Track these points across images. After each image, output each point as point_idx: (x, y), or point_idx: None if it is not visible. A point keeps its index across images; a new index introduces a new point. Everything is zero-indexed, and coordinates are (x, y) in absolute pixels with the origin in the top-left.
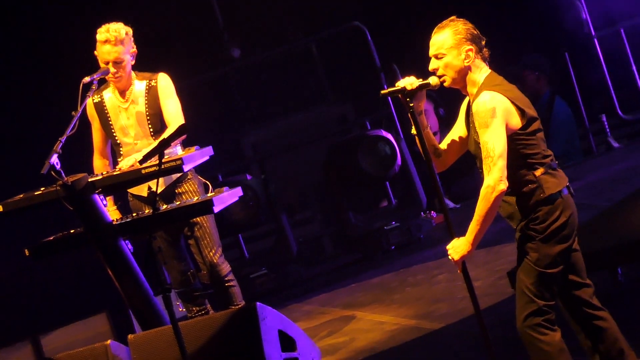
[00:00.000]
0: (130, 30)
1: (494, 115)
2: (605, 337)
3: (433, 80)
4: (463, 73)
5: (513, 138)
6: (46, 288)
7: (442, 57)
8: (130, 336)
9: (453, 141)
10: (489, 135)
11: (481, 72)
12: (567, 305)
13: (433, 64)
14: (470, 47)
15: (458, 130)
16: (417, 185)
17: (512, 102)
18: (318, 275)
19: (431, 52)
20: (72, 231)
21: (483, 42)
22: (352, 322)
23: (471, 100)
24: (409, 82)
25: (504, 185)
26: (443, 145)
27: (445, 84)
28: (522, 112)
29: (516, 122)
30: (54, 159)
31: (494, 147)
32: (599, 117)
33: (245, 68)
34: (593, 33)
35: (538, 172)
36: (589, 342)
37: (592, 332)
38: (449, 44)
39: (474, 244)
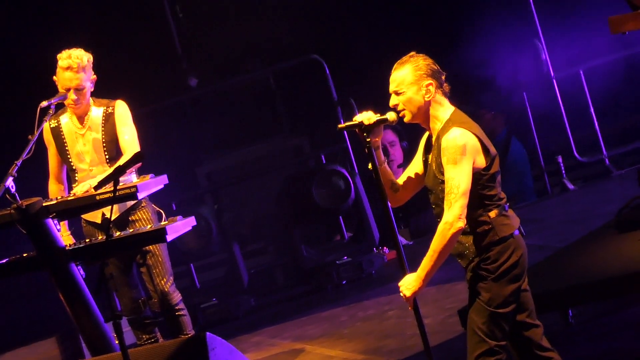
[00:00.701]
0: (91, 57)
1: (463, 152)
2: None
3: (391, 116)
4: (424, 108)
5: (475, 177)
6: None
7: (402, 93)
8: None
9: (410, 178)
10: (456, 172)
11: (443, 107)
12: (516, 345)
13: (393, 100)
14: (431, 82)
15: (415, 166)
16: (370, 220)
17: (480, 141)
18: (268, 307)
19: (391, 88)
20: (24, 255)
21: (443, 77)
22: (301, 355)
23: (434, 135)
24: (367, 117)
25: (462, 223)
26: (400, 181)
27: (405, 120)
28: (487, 152)
29: (481, 161)
30: (9, 182)
31: (459, 185)
32: (555, 158)
33: (202, 97)
34: (552, 74)
35: (492, 213)
36: None
37: None
38: (409, 80)
39: (426, 280)
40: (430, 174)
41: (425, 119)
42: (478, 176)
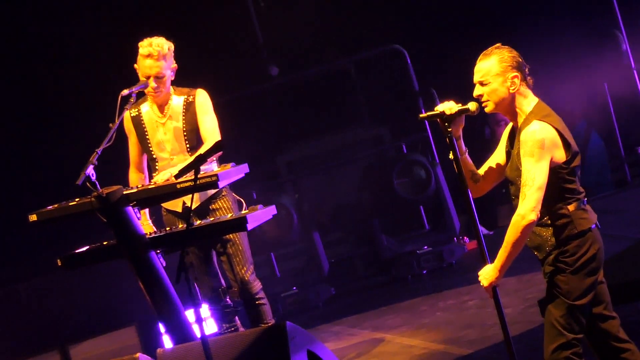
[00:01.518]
0: (172, 46)
1: (542, 146)
2: None
3: (472, 106)
4: (508, 100)
5: (555, 171)
6: (77, 299)
7: (487, 84)
8: (159, 350)
9: (491, 168)
10: (533, 165)
11: (527, 99)
12: (593, 338)
13: (477, 90)
14: (516, 74)
15: (498, 157)
16: (451, 210)
17: (560, 135)
18: (348, 296)
19: (476, 78)
20: (104, 243)
21: (527, 70)
22: (381, 344)
23: (517, 128)
24: (448, 106)
25: (534, 216)
26: (481, 171)
27: (487, 110)
28: (567, 146)
29: (561, 155)
30: (90, 170)
31: (534, 177)
32: (635, 148)
33: (282, 86)
34: (632, 65)
35: (571, 207)
36: None
37: None
38: (495, 71)
39: (502, 270)
40: (512, 166)
41: (508, 110)
42: (558, 169)
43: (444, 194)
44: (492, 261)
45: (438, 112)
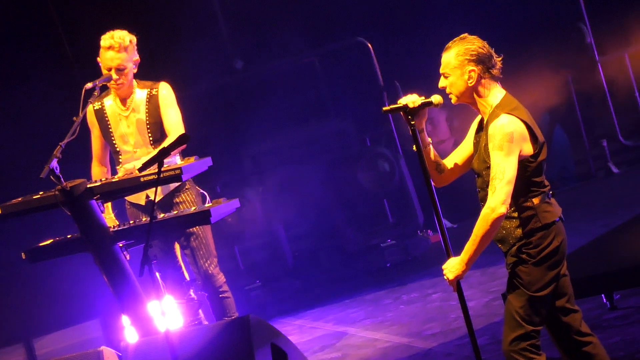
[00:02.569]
0: (134, 39)
1: (511, 140)
2: None
3: (435, 99)
4: (467, 93)
5: (523, 164)
6: (41, 292)
7: (448, 77)
8: (122, 343)
9: (458, 158)
10: (502, 159)
11: (492, 92)
12: (555, 332)
13: (441, 82)
14: (474, 68)
15: (465, 148)
16: (415, 203)
17: (528, 128)
18: (312, 290)
19: (440, 70)
20: (69, 236)
21: (493, 61)
22: (345, 338)
23: (484, 120)
24: (412, 99)
25: (504, 209)
26: (448, 161)
27: (452, 102)
28: (535, 139)
29: (528, 149)
30: (54, 163)
31: (504, 171)
32: (599, 141)
33: (247, 80)
34: (597, 57)
35: (537, 200)
36: None
37: (581, 359)
38: (453, 64)
39: (469, 264)
40: (479, 158)
41: (472, 102)
42: (525, 163)
43: (408, 187)
44: (455, 254)
45: (401, 105)
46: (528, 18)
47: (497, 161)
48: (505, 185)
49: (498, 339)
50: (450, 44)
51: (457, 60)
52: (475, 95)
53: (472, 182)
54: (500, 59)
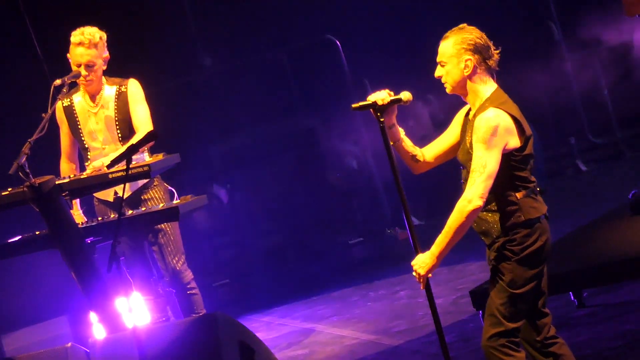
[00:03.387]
0: (104, 35)
1: (495, 134)
2: None
3: (405, 96)
4: (462, 83)
5: (507, 157)
6: (8, 289)
7: (444, 65)
8: (90, 340)
9: (439, 147)
10: (485, 152)
11: (485, 84)
12: (524, 332)
13: (438, 71)
14: (470, 57)
15: (450, 135)
16: (383, 201)
17: (516, 122)
18: (279, 287)
19: (437, 58)
20: (37, 233)
21: (491, 52)
22: (312, 335)
23: (472, 111)
24: (381, 97)
25: (480, 202)
26: (429, 148)
27: (447, 91)
28: (522, 132)
29: (515, 142)
30: (23, 160)
31: (485, 164)
32: (568, 139)
33: (215, 76)
34: (565, 55)
35: (520, 194)
36: None
37: (547, 358)
38: (450, 53)
39: (440, 257)
40: (464, 149)
41: (464, 93)
42: (511, 156)
43: (376, 184)
44: (423, 252)
45: (370, 102)
46: (498, 15)
47: (478, 154)
48: (485, 179)
49: (466, 336)
50: (448, 33)
51: (454, 49)
52: (468, 86)
53: (441, 178)
54: (498, 51)
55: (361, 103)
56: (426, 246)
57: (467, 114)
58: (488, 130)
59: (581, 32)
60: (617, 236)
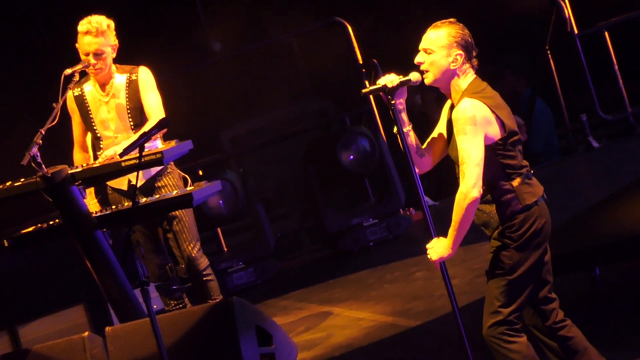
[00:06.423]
0: (112, 23)
1: (473, 123)
2: (573, 348)
3: (414, 77)
4: (447, 75)
5: (492, 147)
6: (24, 279)
7: (430, 53)
8: (107, 328)
9: (435, 142)
10: (467, 143)
11: (466, 79)
12: (532, 319)
13: (419, 57)
14: (461, 52)
15: (440, 131)
16: (396, 182)
17: (493, 111)
18: (295, 271)
19: (421, 45)
20: (51, 222)
21: (474, 53)
22: (329, 318)
23: (454, 105)
24: (390, 79)
25: (477, 192)
26: (425, 146)
27: (426, 81)
28: (502, 123)
29: (495, 132)
30: (34, 150)
31: (470, 154)
32: (579, 116)
33: (225, 62)
34: (575, 32)
35: (515, 182)
36: (557, 356)
37: (559, 344)
38: (441, 43)
39: (454, 247)
40: (453, 145)
41: (446, 86)
42: (495, 146)
43: (389, 166)
44: (438, 232)
45: (380, 85)
46: None
47: (462, 146)
48: (474, 168)
49: (482, 317)
50: (439, 23)
51: (447, 40)
52: (452, 79)
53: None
54: (476, 53)
55: (371, 87)
56: (441, 226)
57: (451, 108)
58: (466, 120)
59: (590, 8)
60: (631, 213)
